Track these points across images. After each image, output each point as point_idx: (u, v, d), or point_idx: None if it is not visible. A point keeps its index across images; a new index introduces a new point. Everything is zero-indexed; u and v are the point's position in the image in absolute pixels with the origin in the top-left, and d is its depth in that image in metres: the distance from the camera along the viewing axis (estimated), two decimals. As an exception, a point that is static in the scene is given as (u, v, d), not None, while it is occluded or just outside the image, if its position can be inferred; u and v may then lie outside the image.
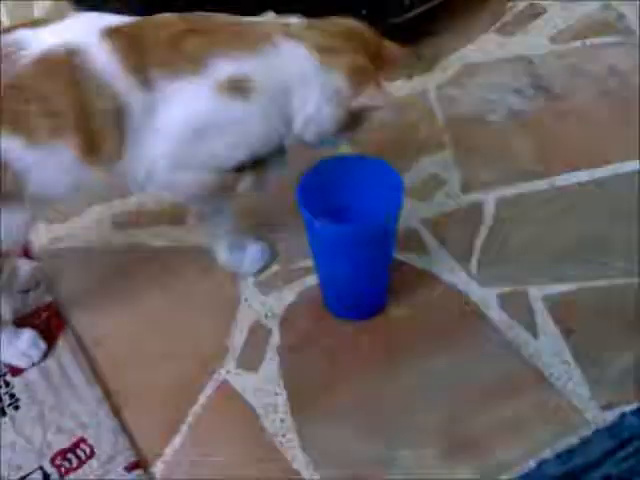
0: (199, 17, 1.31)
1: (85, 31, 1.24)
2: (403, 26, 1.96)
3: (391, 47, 1.40)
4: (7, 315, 1.52)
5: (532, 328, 1.48)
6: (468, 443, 1.35)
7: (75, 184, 1.29)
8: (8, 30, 1.26)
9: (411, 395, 1.41)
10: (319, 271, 1.53)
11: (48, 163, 1.24)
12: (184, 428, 1.41)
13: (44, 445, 1.39)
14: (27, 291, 1.60)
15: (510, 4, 2.13)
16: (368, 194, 1.43)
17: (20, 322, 1.53)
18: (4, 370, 1.49)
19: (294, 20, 1.35)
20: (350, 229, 1.39)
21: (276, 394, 1.44)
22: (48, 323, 1.54)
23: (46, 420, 1.42)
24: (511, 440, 1.35)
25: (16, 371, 1.48)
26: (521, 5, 2.12)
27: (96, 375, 1.48)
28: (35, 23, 1.27)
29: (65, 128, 1.21)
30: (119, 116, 1.23)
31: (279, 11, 1.38)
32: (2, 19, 2.24)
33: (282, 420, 1.40)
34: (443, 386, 1.42)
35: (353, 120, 1.37)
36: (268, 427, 1.40)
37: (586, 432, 1.34)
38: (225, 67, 1.26)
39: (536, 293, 1.53)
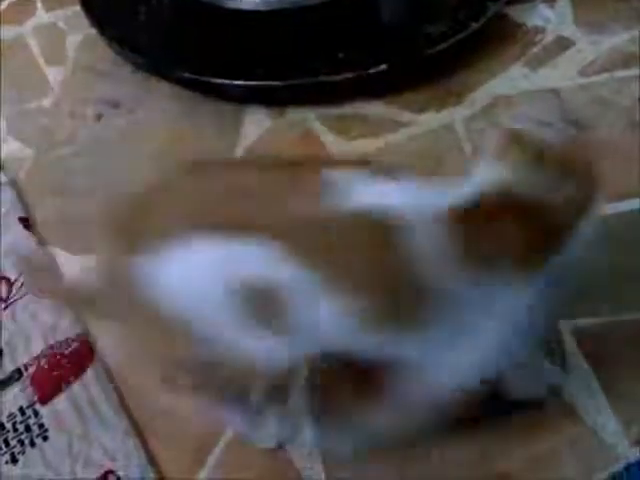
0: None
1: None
2: (432, 59, 1.98)
3: None
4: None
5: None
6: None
7: None
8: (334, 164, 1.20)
9: (441, 430, 1.40)
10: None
11: None
12: (212, 459, 1.41)
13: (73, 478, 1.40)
14: (57, 321, 1.60)
15: (538, 36, 2.13)
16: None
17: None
18: (33, 399, 1.49)
19: None
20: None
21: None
22: (77, 353, 1.55)
23: (74, 451, 1.42)
24: (540, 476, 1.34)
25: (45, 400, 1.49)
26: (549, 38, 2.12)
27: (124, 405, 1.48)
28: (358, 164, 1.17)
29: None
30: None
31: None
32: (33, 51, 2.27)
33: (309, 454, 1.40)
34: (472, 421, 1.40)
35: None
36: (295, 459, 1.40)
37: (617, 467, 1.33)
38: None
39: (565, 326, 1.51)
